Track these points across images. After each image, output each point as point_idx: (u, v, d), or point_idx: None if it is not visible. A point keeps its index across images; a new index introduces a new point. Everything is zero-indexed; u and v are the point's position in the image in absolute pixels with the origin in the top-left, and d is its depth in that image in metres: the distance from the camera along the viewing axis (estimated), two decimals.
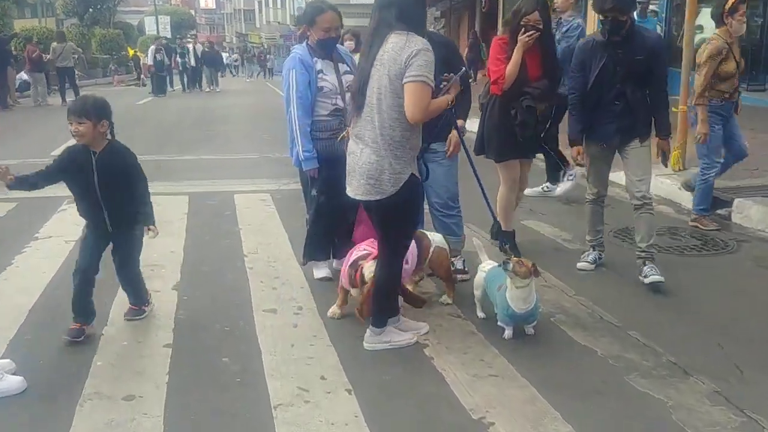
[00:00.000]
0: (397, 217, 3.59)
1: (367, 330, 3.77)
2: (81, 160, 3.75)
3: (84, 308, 3.88)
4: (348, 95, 4.61)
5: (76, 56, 21.56)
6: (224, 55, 47.35)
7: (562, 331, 3.93)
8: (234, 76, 39.10)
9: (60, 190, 4.02)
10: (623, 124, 4.56)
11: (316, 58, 4.55)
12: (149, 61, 23.33)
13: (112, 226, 3.84)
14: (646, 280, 4.49)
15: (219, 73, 28.38)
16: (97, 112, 3.70)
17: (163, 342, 3.85)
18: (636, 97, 4.52)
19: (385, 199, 3.48)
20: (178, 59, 24.66)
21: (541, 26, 4.68)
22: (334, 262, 4.97)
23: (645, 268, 4.54)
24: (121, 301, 4.27)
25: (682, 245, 5.52)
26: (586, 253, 5.00)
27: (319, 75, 4.55)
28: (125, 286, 4.15)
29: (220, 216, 6.53)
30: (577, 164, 5.09)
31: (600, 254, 5.00)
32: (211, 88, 25.80)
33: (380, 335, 3.75)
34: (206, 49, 26.42)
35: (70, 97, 19.46)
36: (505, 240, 4.61)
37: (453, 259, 4.85)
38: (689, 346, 3.75)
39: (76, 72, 21.45)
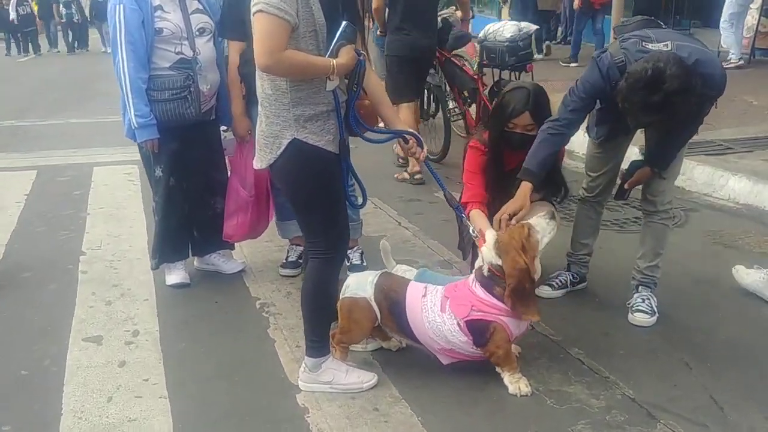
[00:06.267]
0: (292, 197, 2.70)
1: (302, 363, 2.74)
2: None
3: None
4: (199, 41, 3.47)
5: None
6: None
7: None
8: None
9: None
10: None
11: None
12: (11, 14, 19.85)
13: None
14: (631, 318, 3.27)
15: None
16: None
17: None
18: None
19: (269, 168, 2.61)
20: (62, 10, 20.81)
21: (533, 132, 3.27)
22: (195, 261, 3.86)
23: (636, 295, 3.34)
24: None
25: (621, 218, 4.64)
26: (557, 272, 3.62)
27: (157, 13, 3.39)
28: None
29: (68, 197, 5.27)
30: None
31: (575, 275, 3.63)
32: (106, 48, 20.77)
33: (318, 373, 2.70)
34: None
35: None
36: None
37: (349, 252, 3.83)
38: (647, 368, 2.85)
39: None
